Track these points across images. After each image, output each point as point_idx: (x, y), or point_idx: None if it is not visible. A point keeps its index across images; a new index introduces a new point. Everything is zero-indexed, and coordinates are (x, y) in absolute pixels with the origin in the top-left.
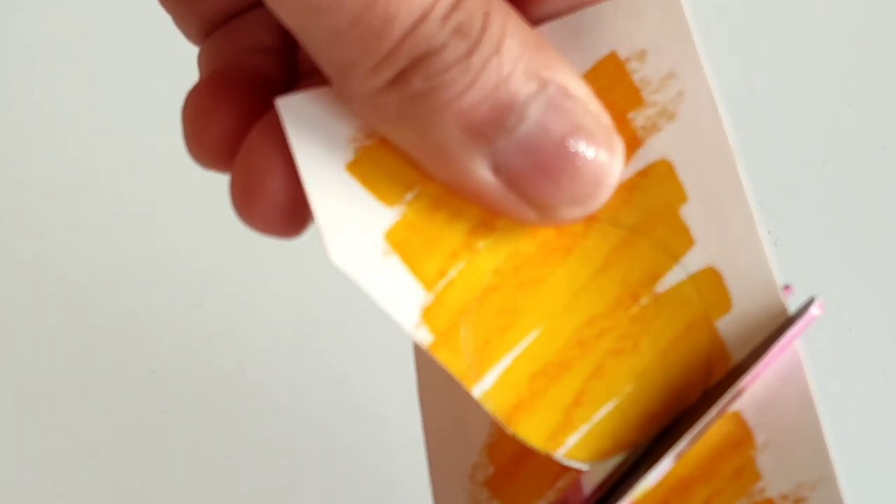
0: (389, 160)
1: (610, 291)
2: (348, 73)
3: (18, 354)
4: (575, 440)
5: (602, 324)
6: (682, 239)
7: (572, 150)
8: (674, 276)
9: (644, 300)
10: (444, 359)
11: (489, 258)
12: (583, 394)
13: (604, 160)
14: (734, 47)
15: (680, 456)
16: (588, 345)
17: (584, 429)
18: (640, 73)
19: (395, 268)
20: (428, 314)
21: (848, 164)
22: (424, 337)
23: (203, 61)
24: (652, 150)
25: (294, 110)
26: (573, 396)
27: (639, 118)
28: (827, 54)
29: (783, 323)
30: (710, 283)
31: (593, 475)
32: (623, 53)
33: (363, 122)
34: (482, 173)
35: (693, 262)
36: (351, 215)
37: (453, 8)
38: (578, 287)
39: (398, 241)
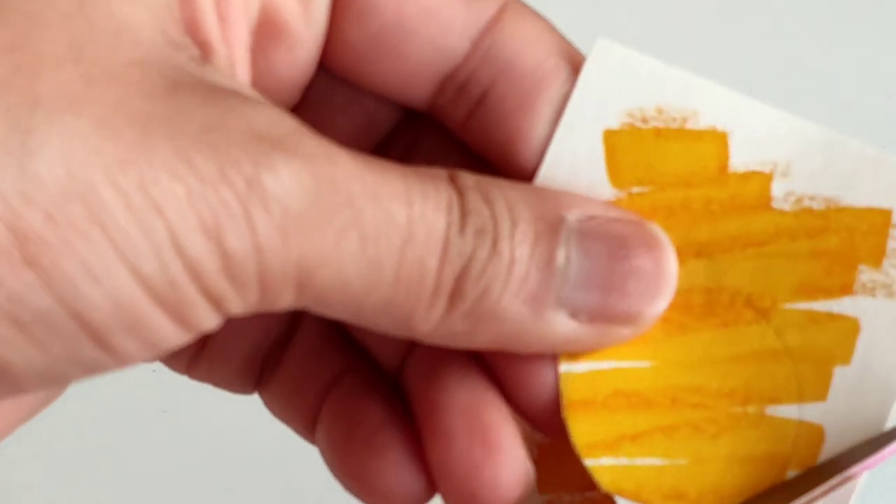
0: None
1: (730, 381)
2: (411, 323)
3: None
4: (608, 463)
5: (704, 399)
6: (818, 388)
7: (622, 260)
8: (788, 412)
9: (751, 409)
10: None
11: None
12: (644, 436)
13: (653, 250)
14: (734, 47)
15: None
16: (679, 405)
17: (622, 461)
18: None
19: None
20: None
21: None
22: None
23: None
24: (853, 306)
25: None
26: (634, 431)
27: (865, 275)
28: (827, 54)
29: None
30: (811, 438)
31: None
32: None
33: (454, 345)
34: (566, 326)
35: (811, 413)
36: None
37: (464, 216)
38: (710, 357)
39: None
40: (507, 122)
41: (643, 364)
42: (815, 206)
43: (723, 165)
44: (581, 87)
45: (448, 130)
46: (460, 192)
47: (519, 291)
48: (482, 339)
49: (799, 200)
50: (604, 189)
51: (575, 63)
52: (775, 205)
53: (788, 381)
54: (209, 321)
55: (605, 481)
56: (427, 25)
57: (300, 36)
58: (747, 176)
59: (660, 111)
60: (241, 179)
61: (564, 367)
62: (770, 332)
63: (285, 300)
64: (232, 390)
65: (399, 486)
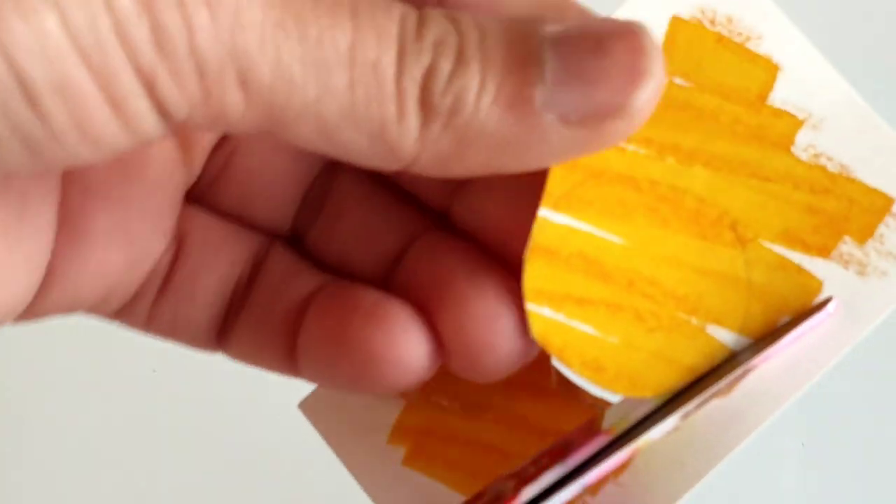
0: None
1: (687, 287)
2: (389, 139)
3: (19, 354)
4: (546, 314)
5: (656, 293)
6: (759, 328)
7: (598, 52)
8: (724, 337)
9: (694, 320)
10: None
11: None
12: (589, 303)
13: (628, 35)
14: None
15: (686, 416)
16: (632, 290)
17: (560, 317)
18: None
19: None
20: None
21: None
22: None
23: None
24: (824, 269)
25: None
26: (582, 296)
27: (847, 246)
28: (826, 54)
29: (800, 315)
30: (732, 368)
31: (604, 420)
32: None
33: (449, 171)
34: (559, 131)
35: (742, 346)
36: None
37: (420, 26)
38: (678, 259)
39: None
40: None
41: (616, 239)
42: (830, 167)
43: (763, 95)
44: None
45: None
46: (419, 9)
47: (497, 98)
48: (475, 160)
49: (817, 156)
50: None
51: None
52: (794, 151)
53: (736, 311)
54: (145, 112)
55: (536, 329)
56: None
57: None
58: (780, 113)
59: (730, 20)
60: None
61: (543, 212)
62: (741, 261)
63: (234, 103)
64: (194, 344)
65: (410, 350)
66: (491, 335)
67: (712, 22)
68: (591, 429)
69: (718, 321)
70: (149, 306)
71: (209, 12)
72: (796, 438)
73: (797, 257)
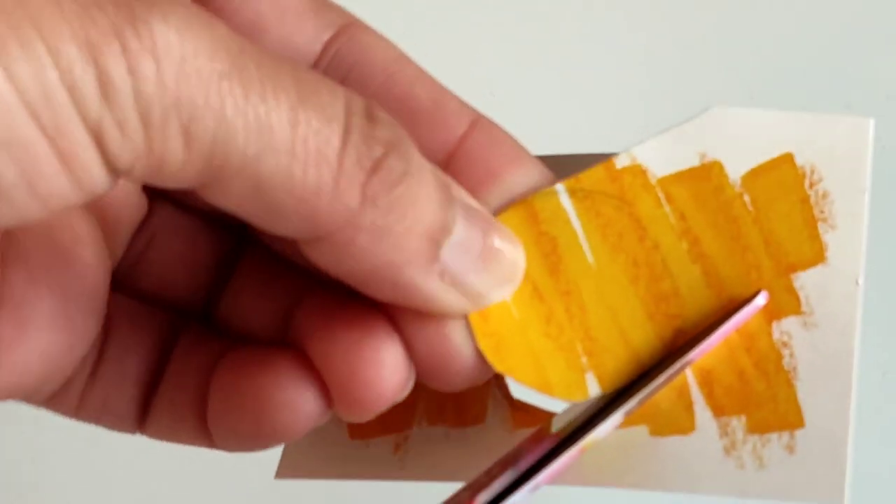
0: None
1: (604, 335)
2: (317, 209)
3: None
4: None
5: (578, 317)
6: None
7: (492, 239)
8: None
9: (584, 360)
10: None
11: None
12: (534, 288)
13: (515, 244)
14: (734, 48)
15: (628, 414)
16: (564, 299)
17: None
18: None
19: None
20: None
21: None
22: None
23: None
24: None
25: None
26: (530, 273)
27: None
28: (826, 54)
29: (730, 304)
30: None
31: (552, 427)
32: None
33: (346, 262)
34: (434, 281)
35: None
36: None
37: (371, 118)
38: (616, 310)
39: None
40: None
41: (591, 256)
42: (786, 362)
43: (792, 269)
44: None
45: None
46: (369, 106)
47: (422, 225)
48: (370, 263)
49: (784, 343)
50: None
51: (412, 69)
52: (774, 328)
53: (616, 382)
54: (93, 164)
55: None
56: (281, 24)
57: None
58: (791, 290)
59: (824, 196)
60: (123, 10)
61: (560, 187)
62: (655, 355)
63: (175, 154)
64: (119, 427)
65: (301, 397)
66: (372, 371)
67: (811, 184)
68: (540, 435)
69: (599, 378)
70: (80, 392)
71: (154, 61)
72: None
73: (696, 396)
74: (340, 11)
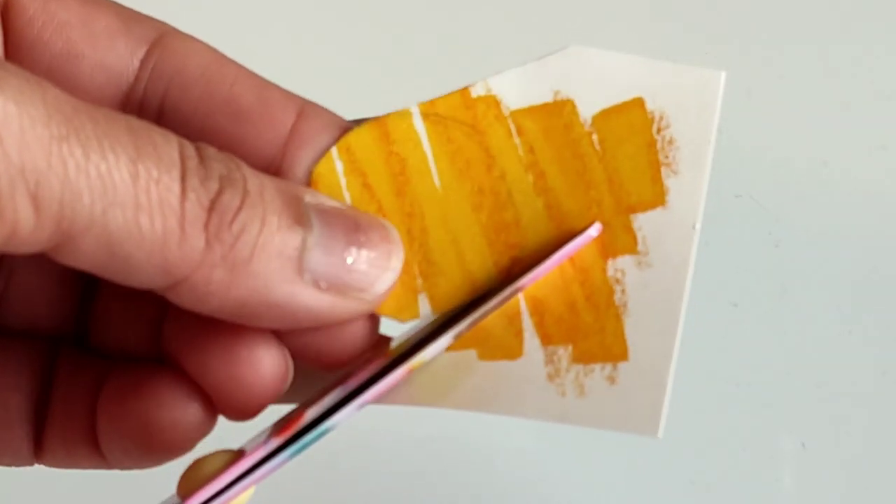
0: None
1: (441, 255)
2: (167, 257)
3: None
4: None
5: (418, 237)
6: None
7: (357, 235)
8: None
9: (419, 281)
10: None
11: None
12: (378, 201)
13: (385, 235)
14: (733, 48)
15: (458, 336)
16: (407, 218)
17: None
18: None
19: None
20: None
21: (848, 165)
22: None
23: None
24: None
25: None
26: (375, 187)
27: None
28: (826, 54)
29: (568, 237)
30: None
31: (393, 344)
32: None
33: (207, 302)
34: (308, 293)
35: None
36: None
37: (203, 160)
38: (457, 232)
39: None
40: (185, 127)
41: (437, 179)
42: (617, 296)
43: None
44: None
45: None
46: (198, 148)
47: (272, 245)
48: (234, 296)
49: (621, 271)
50: None
51: (231, 68)
52: (608, 265)
53: (450, 303)
54: None
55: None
56: (94, 48)
57: None
58: (629, 230)
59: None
60: None
61: (414, 109)
62: (492, 283)
63: (26, 219)
64: (17, 463)
65: (182, 411)
66: (250, 372)
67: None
68: (373, 356)
69: (432, 299)
70: (31, 448)
71: None
72: (796, 438)
73: (527, 323)
74: (152, 23)
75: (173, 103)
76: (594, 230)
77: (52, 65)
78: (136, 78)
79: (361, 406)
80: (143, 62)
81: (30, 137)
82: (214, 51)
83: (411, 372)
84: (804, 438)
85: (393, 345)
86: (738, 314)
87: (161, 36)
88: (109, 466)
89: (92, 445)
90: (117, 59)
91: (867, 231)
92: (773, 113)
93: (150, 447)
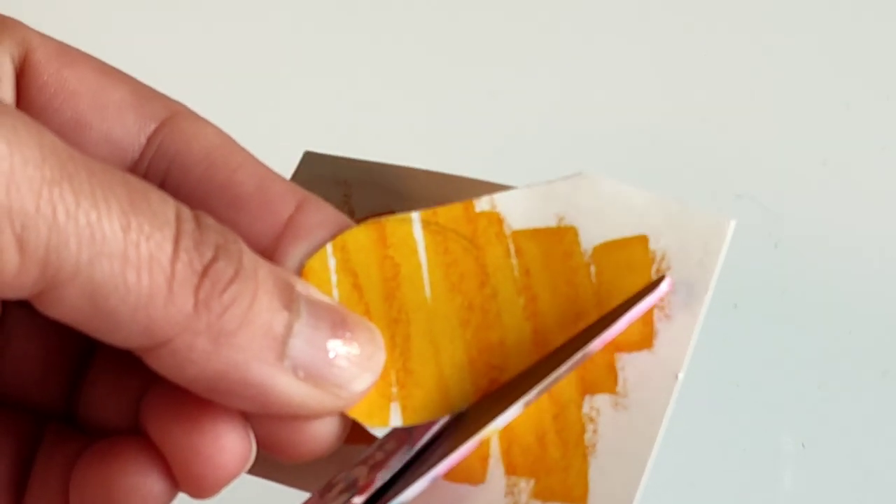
0: None
1: (422, 369)
2: (151, 315)
3: None
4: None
5: (400, 347)
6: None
7: (343, 331)
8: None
9: (394, 390)
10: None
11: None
12: (367, 306)
13: (371, 336)
14: (733, 48)
15: (528, 405)
16: (392, 326)
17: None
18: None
19: None
20: None
21: (847, 165)
22: None
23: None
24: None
25: None
26: (364, 288)
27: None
28: (826, 54)
29: (636, 294)
30: None
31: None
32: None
33: (185, 371)
34: (286, 380)
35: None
36: None
37: (200, 227)
38: (438, 345)
39: None
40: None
41: (429, 290)
42: (588, 450)
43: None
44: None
45: None
46: (196, 215)
47: (260, 323)
48: (212, 367)
49: (591, 419)
50: None
51: (237, 155)
52: (586, 404)
53: (422, 414)
54: None
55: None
56: (102, 120)
57: None
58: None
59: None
60: None
61: (415, 216)
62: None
63: (10, 262)
64: None
65: (144, 483)
66: (212, 447)
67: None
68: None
69: (404, 409)
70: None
71: None
72: (796, 438)
73: (494, 449)
74: (166, 102)
75: (174, 183)
76: (666, 284)
77: (61, 132)
78: (142, 154)
79: (435, 478)
80: (150, 139)
81: (20, 178)
82: (224, 135)
83: (485, 441)
84: (804, 438)
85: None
86: (738, 314)
87: (172, 115)
88: None
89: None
90: (125, 133)
91: (867, 231)
92: (773, 112)
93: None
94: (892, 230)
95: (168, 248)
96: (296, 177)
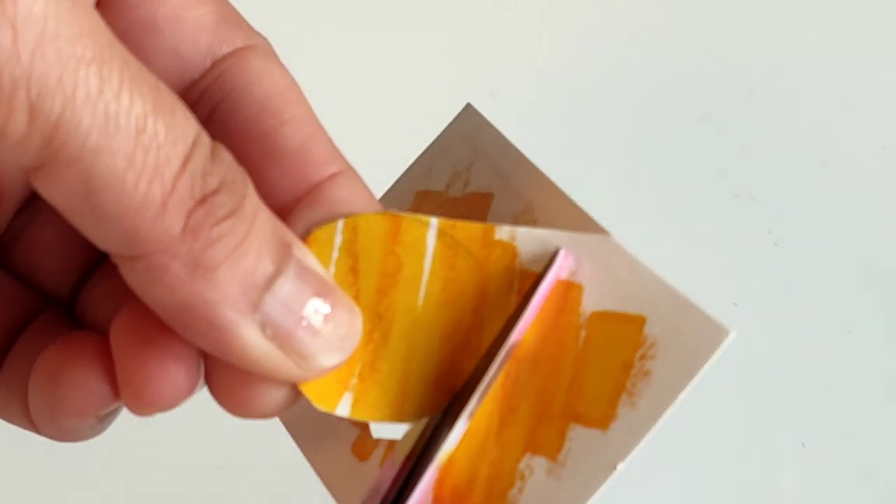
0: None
1: (393, 372)
2: (138, 224)
3: None
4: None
5: (381, 346)
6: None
7: (326, 301)
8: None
9: (353, 381)
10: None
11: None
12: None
13: (353, 314)
14: (734, 48)
15: (472, 415)
16: (376, 323)
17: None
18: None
19: None
20: None
21: (847, 164)
22: None
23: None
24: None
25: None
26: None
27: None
28: (826, 54)
29: (539, 274)
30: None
31: (398, 452)
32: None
33: (154, 292)
34: (251, 334)
35: None
36: None
37: (215, 154)
38: (418, 352)
39: None
40: (222, 142)
41: (422, 296)
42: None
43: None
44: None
45: None
46: (215, 145)
47: (241, 267)
48: (180, 296)
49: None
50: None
51: (294, 108)
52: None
53: (380, 413)
54: None
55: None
56: (175, 31)
57: None
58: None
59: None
60: None
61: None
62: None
63: (17, 124)
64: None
65: (83, 379)
66: (156, 365)
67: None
68: (392, 464)
69: (355, 404)
70: None
71: (13, 33)
72: (796, 438)
73: (429, 477)
74: (248, 33)
75: (221, 116)
76: (560, 256)
77: (128, 30)
78: (202, 76)
79: None
80: (215, 64)
81: (49, 47)
82: (289, 83)
83: (441, 466)
84: (804, 438)
85: (399, 451)
86: (739, 314)
87: (247, 47)
88: (37, 430)
89: (24, 404)
90: (193, 51)
91: (867, 231)
92: (774, 113)
93: (53, 405)
94: (892, 230)
95: (175, 164)
96: (450, 126)
